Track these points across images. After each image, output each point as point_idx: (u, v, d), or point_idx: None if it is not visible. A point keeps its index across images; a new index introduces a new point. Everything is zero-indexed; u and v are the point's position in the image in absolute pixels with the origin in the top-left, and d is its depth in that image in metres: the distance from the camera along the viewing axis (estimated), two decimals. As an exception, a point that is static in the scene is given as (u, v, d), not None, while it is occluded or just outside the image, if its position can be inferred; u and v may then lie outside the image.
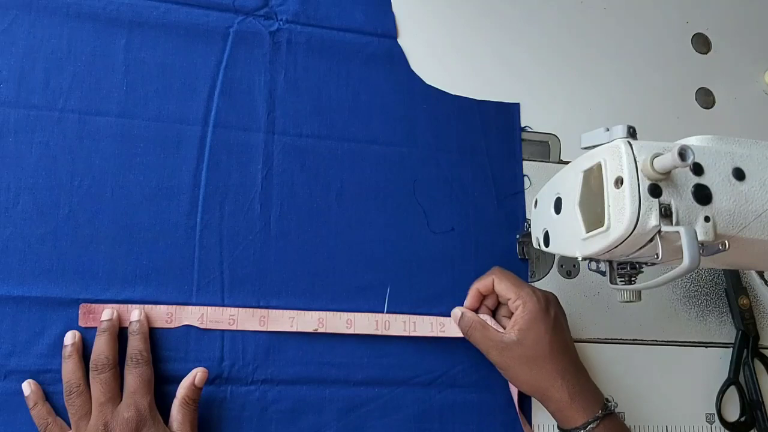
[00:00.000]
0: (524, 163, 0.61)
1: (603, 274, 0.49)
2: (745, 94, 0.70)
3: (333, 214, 0.56)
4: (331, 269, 0.54)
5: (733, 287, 0.62)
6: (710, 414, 0.59)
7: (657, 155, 0.40)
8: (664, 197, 0.40)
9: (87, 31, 0.54)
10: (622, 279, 0.47)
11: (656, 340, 0.60)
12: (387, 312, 0.54)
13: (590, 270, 0.50)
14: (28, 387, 0.46)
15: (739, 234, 0.41)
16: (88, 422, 0.45)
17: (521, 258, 0.59)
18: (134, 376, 0.46)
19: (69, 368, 0.46)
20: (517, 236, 0.59)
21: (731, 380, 0.60)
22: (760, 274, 0.64)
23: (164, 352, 0.49)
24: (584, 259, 0.45)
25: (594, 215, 0.43)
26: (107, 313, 0.48)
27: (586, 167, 0.45)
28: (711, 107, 0.69)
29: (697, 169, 0.42)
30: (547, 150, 0.63)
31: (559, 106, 0.64)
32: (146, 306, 0.50)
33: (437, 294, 0.56)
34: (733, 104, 0.69)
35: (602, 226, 0.42)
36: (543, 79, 0.65)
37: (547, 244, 0.51)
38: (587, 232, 0.44)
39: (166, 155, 0.53)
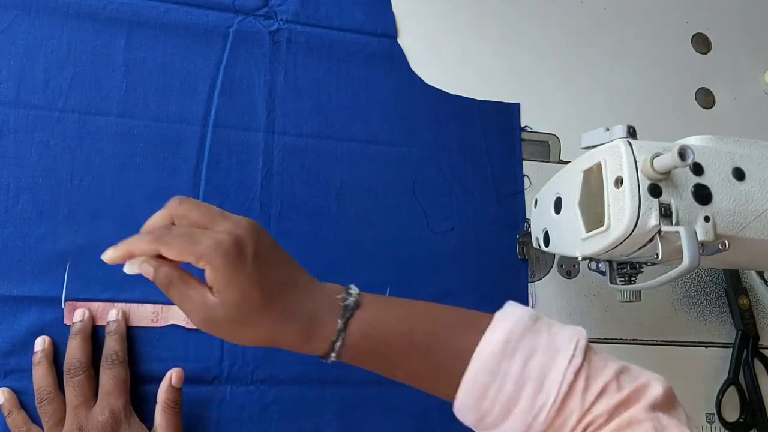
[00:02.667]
0: (524, 163, 0.61)
1: (603, 274, 0.49)
2: (745, 94, 0.70)
3: (333, 214, 0.56)
4: (331, 269, 0.54)
5: (733, 287, 0.62)
6: (710, 414, 0.59)
7: (657, 155, 0.40)
8: (664, 197, 0.40)
9: (87, 31, 0.54)
10: (622, 279, 0.47)
11: (656, 340, 0.60)
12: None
13: (590, 270, 0.50)
14: (1, 395, 0.45)
15: (739, 234, 0.41)
16: (63, 428, 0.44)
17: (521, 258, 0.59)
18: (109, 378, 0.45)
19: (39, 375, 0.45)
20: (517, 236, 0.59)
21: (731, 380, 0.60)
22: (760, 274, 0.64)
23: (164, 352, 0.49)
24: (584, 259, 0.45)
25: (594, 215, 0.43)
26: (79, 314, 0.47)
27: (586, 167, 0.45)
28: (711, 107, 0.69)
29: (697, 169, 0.42)
30: (547, 150, 0.63)
31: (559, 106, 0.64)
32: (132, 305, 0.49)
33: (437, 294, 0.56)
34: (733, 104, 0.69)
35: (602, 226, 0.42)
36: (543, 79, 0.65)
37: (547, 244, 0.51)
38: (587, 232, 0.44)
39: (166, 155, 0.53)
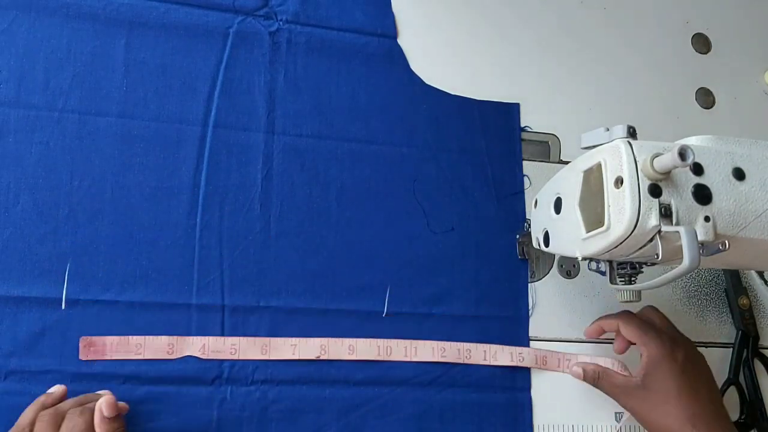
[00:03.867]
0: (524, 163, 0.61)
1: (603, 274, 0.49)
2: (745, 94, 0.70)
3: (333, 214, 0.56)
4: (331, 269, 0.54)
5: (733, 287, 0.62)
6: (710, 414, 0.59)
7: (657, 155, 0.40)
8: (664, 197, 0.40)
9: (87, 31, 0.54)
10: (622, 279, 0.47)
11: (656, 340, 0.60)
12: (387, 312, 0.54)
13: (590, 270, 0.50)
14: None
15: (739, 234, 0.41)
16: None
17: (521, 258, 0.59)
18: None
19: (28, 413, 0.43)
20: (517, 236, 0.59)
21: (731, 380, 0.60)
22: (760, 274, 0.64)
23: (164, 352, 0.50)
24: (584, 259, 0.45)
25: (594, 215, 0.43)
26: (57, 390, 0.45)
27: (586, 167, 0.45)
28: (711, 107, 0.69)
29: (697, 169, 0.42)
30: (547, 150, 0.63)
31: (559, 106, 0.64)
32: (147, 337, 0.49)
33: (437, 294, 0.56)
34: (733, 104, 0.69)
35: (602, 226, 0.42)
36: (543, 79, 0.65)
37: (547, 244, 0.51)
38: (587, 232, 0.44)
39: (166, 155, 0.53)
